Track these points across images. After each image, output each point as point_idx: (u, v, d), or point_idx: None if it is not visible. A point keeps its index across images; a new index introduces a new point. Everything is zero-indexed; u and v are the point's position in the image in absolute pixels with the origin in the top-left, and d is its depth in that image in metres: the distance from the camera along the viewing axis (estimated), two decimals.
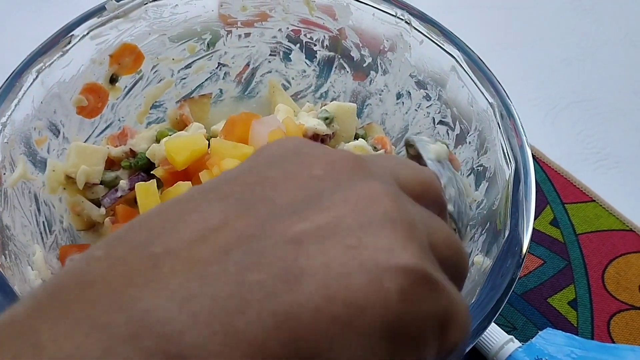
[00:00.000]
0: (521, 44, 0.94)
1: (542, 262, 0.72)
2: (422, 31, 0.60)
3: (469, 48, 0.58)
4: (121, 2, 0.59)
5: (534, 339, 0.62)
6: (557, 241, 0.74)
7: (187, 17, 0.64)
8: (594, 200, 0.77)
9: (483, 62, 0.58)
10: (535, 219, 0.56)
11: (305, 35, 0.67)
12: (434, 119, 0.63)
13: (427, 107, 0.63)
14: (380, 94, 0.67)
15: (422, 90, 0.63)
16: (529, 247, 0.48)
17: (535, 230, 0.75)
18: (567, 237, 0.74)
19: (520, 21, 0.97)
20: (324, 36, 0.66)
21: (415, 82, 0.63)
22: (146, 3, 0.60)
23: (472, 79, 0.57)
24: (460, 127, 0.60)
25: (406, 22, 0.61)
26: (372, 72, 0.66)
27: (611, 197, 0.78)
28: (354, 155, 0.25)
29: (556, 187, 0.78)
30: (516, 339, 0.62)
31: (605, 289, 0.71)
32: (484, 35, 0.91)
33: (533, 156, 0.53)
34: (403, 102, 0.66)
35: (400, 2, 0.62)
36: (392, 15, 0.61)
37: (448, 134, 0.62)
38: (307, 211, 0.23)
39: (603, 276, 0.72)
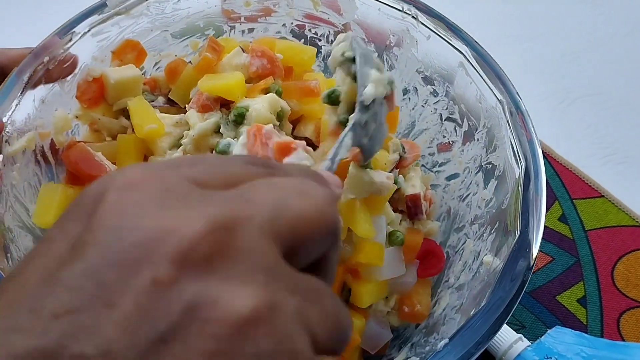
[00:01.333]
0: (528, 37, 0.93)
1: (551, 258, 0.72)
2: (429, 26, 0.59)
3: (477, 43, 0.57)
4: None
5: (543, 337, 0.61)
6: (565, 237, 0.73)
7: (190, 13, 0.63)
8: (603, 196, 0.76)
9: (492, 58, 0.56)
10: None
11: (309, 30, 0.66)
12: (441, 115, 0.62)
13: (435, 103, 0.62)
14: None
15: (429, 86, 0.62)
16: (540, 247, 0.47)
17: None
18: (575, 234, 0.73)
19: (527, 14, 0.96)
20: (329, 31, 0.65)
21: (422, 77, 0.62)
22: None
23: (480, 75, 0.56)
24: (469, 124, 0.59)
25: (413, 16, 0.60)
26: None
27: (620, 193, 0.77)
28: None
29: (564, 183, 0.77)
30: (525, 337, 0.61)
31: (614, 286, 0.70)
32: (490, 28, 0.90)
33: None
34: (410, 98, 0.65)
35: None
36: (399, 9, 0.60)
37: (456, 130, 0.61)
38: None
39: (612, 273, 0.71)
